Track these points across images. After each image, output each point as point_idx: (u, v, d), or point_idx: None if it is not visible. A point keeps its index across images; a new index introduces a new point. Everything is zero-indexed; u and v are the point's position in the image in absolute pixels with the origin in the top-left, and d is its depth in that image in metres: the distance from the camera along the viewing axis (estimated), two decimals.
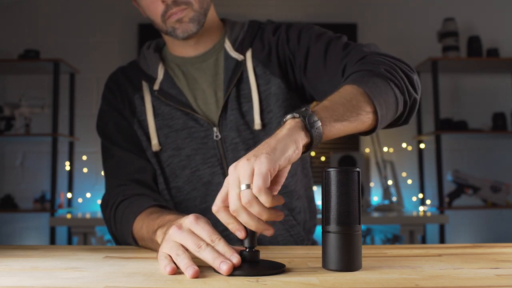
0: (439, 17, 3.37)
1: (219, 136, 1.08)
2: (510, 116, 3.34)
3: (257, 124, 1.07)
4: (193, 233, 0.71)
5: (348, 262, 0.66)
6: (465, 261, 0.75)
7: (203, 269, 0.68)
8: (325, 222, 0.67)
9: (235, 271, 0.64)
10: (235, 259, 0.65)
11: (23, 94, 3.18)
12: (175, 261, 0.68)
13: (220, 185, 1.08)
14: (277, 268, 0.66)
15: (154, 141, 1.09)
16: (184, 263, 0.66)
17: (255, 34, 1.14)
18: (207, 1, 1.10)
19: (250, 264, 0.66)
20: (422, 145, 3.41)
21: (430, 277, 0.62)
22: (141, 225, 0.92)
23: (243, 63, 1.10)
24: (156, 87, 1.11)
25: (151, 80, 1.13)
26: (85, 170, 3.37)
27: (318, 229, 1.05)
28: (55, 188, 3.05)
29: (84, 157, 3.38)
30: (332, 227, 0.66)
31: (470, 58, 3.23)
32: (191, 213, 1.07)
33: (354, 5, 3.53)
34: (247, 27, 1.15)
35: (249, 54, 1.11)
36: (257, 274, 0.64)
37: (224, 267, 0.64)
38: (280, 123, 0.99)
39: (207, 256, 0.66)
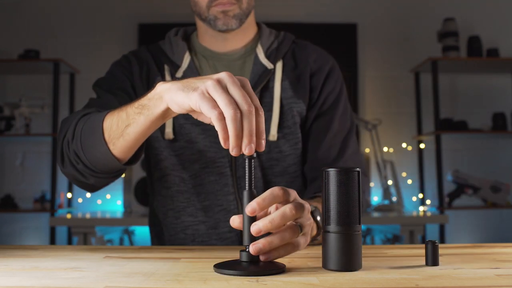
0: (439, 17, 3.37)
1: None
2: (510, 116, 3.34)
3: (272, 135, 1.08)
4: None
5: (348, 262, 0.66)
6: (465, 261, 0.75)
7: (203, 269, 0.68)
8: (325, 222, 0.67)
9: (235, 271, 0.64)
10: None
11: (23, 94, 3.17)
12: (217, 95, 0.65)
13: (226, 186, 1.09)
14: (277, 268, 0.66)
15: (168, 129, 1.08)
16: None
17: (288, 48, 1.15)
18: (252, 3, 1.11)
19: (250, 264, 0.66)
20: (422, 145, 3.41)
21: (430, 277, 0.62)
22: (112, 119, 0.84)
23: (272, 72, 1.10)
24: (179, 75, 1.10)
25: (174, 67, 1.11)
26: None
27: None
28: (55, 188, 3.05)
29: None
30: (332, 227, 0.66)
31: (470, 58, 3.23)
32: (193, 206, 1.08)
33: (354, 5, 3.53)
34: (283, 38, 1.16)
35: (279, 65, 1.12)
36: (257, 274, 0.64)
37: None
38: (296, 143, 1.10)
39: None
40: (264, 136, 0.67)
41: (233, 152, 0.64)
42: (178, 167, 1.09)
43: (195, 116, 0.73)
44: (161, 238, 1.15)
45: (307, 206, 0.72)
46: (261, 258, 0.67)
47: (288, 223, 0.69)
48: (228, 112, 0.64)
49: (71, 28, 3.44)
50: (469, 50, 3.28)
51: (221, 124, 0.64)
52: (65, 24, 3.43)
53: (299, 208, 0.68)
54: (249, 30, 1.15)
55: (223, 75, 0.67)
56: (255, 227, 0.66)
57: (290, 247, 0.69)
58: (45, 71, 3.26)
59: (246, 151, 0.64)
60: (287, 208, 0.67)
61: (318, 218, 0.85)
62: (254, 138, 0.65)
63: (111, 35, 3.43)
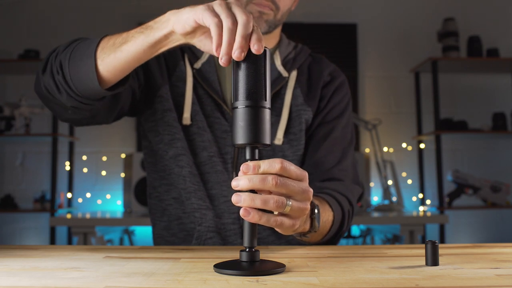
0: (439, 17, 3.37)
1: None
2: (510, 116, 3.35)
3: (278, 139, 1.11)
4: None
5: (255, 134, 0.66)
6: (465, 261, 0.75)
7: (203, 269, 0.68)
8: (234, 98, 0.68)
9: (235, 271, 0.64)
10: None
11: (23, 94, 3.18)
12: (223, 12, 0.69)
13: (230, 179, 1.09)
14: (277, 268, 0.66)
15: (187, 114, 1.10)
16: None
17: (304, 60, 1.20)
18: (285, 17, 1.15)
19: (250, 264, 0.66)
20: (422, 145, 3.41)
21: (430, 277, 0.62)
22: (111, 37, 0.85)
23: (286, 79, 1.14)
24: (197, 66, 1.13)
25: (194, 57, 1.14)
26: (85, 170, 3.37)
27: None
28: (55, 188, 3.05)
29: (84, 157, 3.38)
30: (240, 102, 0.67)
31: (470, 58, 3.23)
32: (203, 192, 1.09)
33: (354, 5, 3.53)
34: (300, 50, 1.20)
35: (294, 74, 1.16)
36: (257, 274, 0.64)
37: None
38: (299, 150, 1.12)
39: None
40: (262, 43, 0.68)
41: (222, 61, 0.68)
42: (192, 151, 1.11)
43: (197, 43, 0.77)
44: (168, 221, 1.15)
45: (309, 193, 0.70)
46: (240, 212, 0.66)
47: (279, 198, 0.67)
48: (225, 22, 0.68)
49: (71, 28, 3.44)
50: (469, 50, 3.28)
51: (217, 31, 0.69)
52: (65, 24, 3.43)
53: (286, 183, 0.67)
54: (272, 39, 1.19)
55: None
56: (235, 181, 0.66)
57: (272, 219, 0.67)
58: None
59: (234, 54, 0.67)
60: (271, 176, 0.66)
61: (316, 216, 0.85)
62: (246, 47, 0.67)
63: None
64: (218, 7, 0.70)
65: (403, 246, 0.94)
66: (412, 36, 3.52)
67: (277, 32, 1.19)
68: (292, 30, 3.28)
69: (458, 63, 3.27)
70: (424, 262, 0.72)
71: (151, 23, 0.79)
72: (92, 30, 3.43)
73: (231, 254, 0.81)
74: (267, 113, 0.68)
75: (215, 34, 0.69)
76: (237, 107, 0.68)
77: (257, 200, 0.65)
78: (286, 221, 0.69)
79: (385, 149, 3.40)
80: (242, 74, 0.68)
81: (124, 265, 0.72)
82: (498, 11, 3.55)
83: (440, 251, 0.85)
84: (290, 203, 0.68)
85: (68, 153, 3.34)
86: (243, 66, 0.68)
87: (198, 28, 0.75)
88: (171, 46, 0.80)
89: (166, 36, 0.77)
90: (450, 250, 0.88)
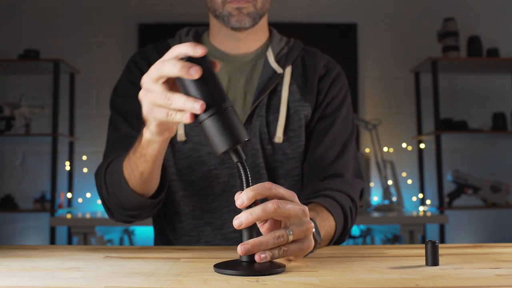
0: (439, 17, 3.37)
1: None
2: (510, 116, 3.35)
3: (278, 137, 1.09)
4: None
5: (233, 137, 0.66)
6: (465, 261, 0.75)
7: (203, 269, 0.68)
8: (195, 114, 0.67)
9: (235, 271, 0.64)
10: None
11: (23, 94, 3.18)
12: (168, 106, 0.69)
13: (235, 187, 1.09)
14: (277, 268, 0.66)
15: (181, 131, 1.08)
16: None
17: (297, 54, 1.17)
18: (267, 5, 1.13)
19: (250, 264, 0.66)
20: (422, 145, 3.41)
21: (430, 277, 0.62)
22: (127, 162, 0.91)
23: (281, 76, 1.12)
24: None
25: None
26: (85, 170, 3.37)
27: None
28: (55, 188, 3.05)
29: (84, 157, 3.38)
30: (203, 115, 0.66)
31: (470, 58, 3.23)
32: (200, 209, 1.08)
33: (354, 5, 3.53)
34: (293, 45, 1.18)
35: (288, 69, 1.14)
36: (257, 274, 0.64)
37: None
38: (300, 147, 1.11)
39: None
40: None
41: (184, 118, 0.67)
42: (187, 170, 1.09)
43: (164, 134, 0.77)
44: (166, 238, 1.16)
45: (306, 211, 0.70)
46: (255, 257, 0.67)
47: (279, 232, 0.68)
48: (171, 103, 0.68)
49: (71, 28, 3.44)
50: (469, 50, 3.28)
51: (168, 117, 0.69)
52: (65, 24, 3.43)
53: (285, 206, 0.67)
54: (261, 34, 1.17)
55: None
56: (237, 221, 0.67)
57: (282, 251, 0.68)
58: (45, 71, 3.26)
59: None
60: (270, 202, 0.67)
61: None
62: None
63: (111, 35, 3.43)
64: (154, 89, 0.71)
65: (403, 246, 0.94)
66: (412, 36, 3.52)
67: (264, 25, 1.17)
68: (292, 30, 3.28)
69: (458, 63, 3.27)
70: (424, 262, 0.72)
71: (143, 150, 0.84)
72: (92, 30, 3.44)
73: (231, 254, 0.81)
74: (232, 112, 0.67)
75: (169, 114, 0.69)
76: (203, 120, 0.66)
77: (264, 243, 0.67)
78: (292, 247, 0.69)
79: (385, 149, 3.40)
80: (192, 89, 0.66)
81: (124, 265, 0.72)
82: (498, 11, 3.55)
83: (440, 251, 0.85)
84: (291, 232, 0.68)
85: (68, 153, 3.34)
86: (188, 81, 0.66)
87: (162, 125, 0.75)
88: (161, 146, 0.82)
89: (161, 145, 0.81)
90: (450, 250, 0.88)
